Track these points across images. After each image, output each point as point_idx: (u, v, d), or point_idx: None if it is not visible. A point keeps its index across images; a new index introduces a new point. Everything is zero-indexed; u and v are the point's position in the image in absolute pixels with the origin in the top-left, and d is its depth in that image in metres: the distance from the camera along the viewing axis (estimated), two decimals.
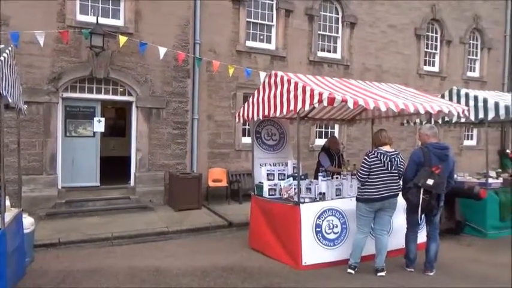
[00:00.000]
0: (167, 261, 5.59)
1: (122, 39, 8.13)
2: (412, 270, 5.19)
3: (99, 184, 8.92)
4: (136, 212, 8.35)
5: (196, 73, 9.65)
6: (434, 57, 13.66)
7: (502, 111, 6.76)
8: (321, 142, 11.61)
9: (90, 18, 8.60)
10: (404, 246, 5.51)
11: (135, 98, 9.12)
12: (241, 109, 6.48)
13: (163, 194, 9.23)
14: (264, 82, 5.90)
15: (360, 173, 4.98)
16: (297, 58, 10.98)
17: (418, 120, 7.59)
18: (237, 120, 6.69)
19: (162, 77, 9.25)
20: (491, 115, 6.89)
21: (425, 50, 13.35)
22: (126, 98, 9.19)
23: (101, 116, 9.00)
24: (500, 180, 7.59)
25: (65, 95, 8.58)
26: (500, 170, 9.80)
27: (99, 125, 8.88)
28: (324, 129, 11.73)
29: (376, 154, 4.94)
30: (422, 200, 4.83)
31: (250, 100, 6.16)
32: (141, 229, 7.06)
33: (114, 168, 9.79)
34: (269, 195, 5.85)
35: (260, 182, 6.06)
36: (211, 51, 9.88)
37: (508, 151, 12.12)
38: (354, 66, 11.87)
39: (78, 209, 8.15)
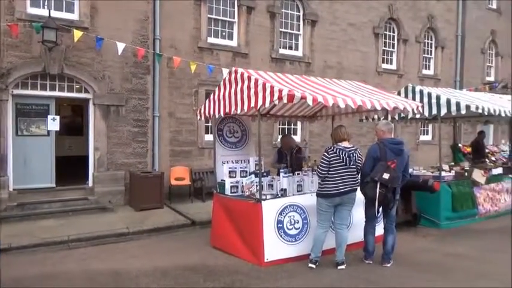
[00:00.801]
0: (127, 263, 5.44)
1: (77, 33, 7.79)
2: (371, 262, 5.34)
3: (54, 185, 8.55)
4: (95, 213, 8.08)
5: (157, 69, 9.45)
6: (391, 56, 14.12)
7: (453, 108, 7.09)
8: None
9: (42, 11, 8.19)
10: (363, 239, 5.65)
11: (92, 95, 8.80)
12: (203, 106, 6.41)
13: (124, 194, 8.98)
14: (224, 79, 5.85)
15: (320, 169, 5.06)
16: (259, 55, 10.99)
17: (376, 117, 7.78)
18: (198, 117, 6.61)
19: (120, 73, 8.98)
20: (443, 111, 7.20)
21: (383, 48, 13.77)
22: (82, 95, 8.85)
23: (56, 114, 8.61)
24: (453, 173, 7.97)
25: (16, 92, 8.14)
26: (453, 164, 10.30)
27: (53, 123, 8.49)
28: (287, 126, 11.84)
29: (335, 150, 5.03)
30: (378, 193, 4.97)
31: (212, 97, 6.10)
32: (99, 231, 6.84)
33: (71, 168, 9.40)
34: (231, 192, 5.83)
35: (222, 180, 6.02)
36: (172, 48, 9.70)
37: (460, 145, 12.73)
38: (315, 64, 12.05)
39: (32, 212, 7.77)
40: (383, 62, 13.80)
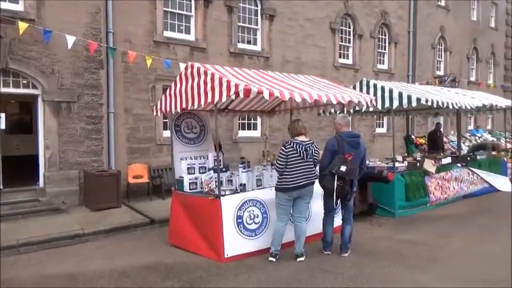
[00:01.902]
0: (82, 265, 5.25)
1: (22, 26, 7.33)
2: (329, 252, 5.47)
3: (1, 187, 8.06)
4: (47, 215, 7.72)
5: (111, 64, 9.13)
6: (348, 50, 14.48)
7: (405, 101, 7.39)
8: (244, 134, 11.77)
9: None
10: (321, 231, 5.77)
11: (40, 91, 8.36)
12: (159, 102, 6.27)
13: (79, 194, 8.64)
14: (180, 74, 5.74)
15: (278, 163, 5.09)
16: (218, 50, 10.90)
17: (332, 110, 7.96)
18: (154, 113, 6.46)
19: (71, 68, 8.58)
20: (396, 104, 7.49)
21: (340, 43, 14.08)
22: (30, 91, 8.38)
23: (1, 112, 8.10)
24: (405, 163, 8.31)
25: None
26: (406, 154, 10.76)
27: None
28: (246, 121, 11.85)
29: (292, 144, 5.08)
30: (336, 186, 5.09)
31: (168, 92, 5.97)
32: (52, 233, 6.53)
33: (19, 168, 8.91)
34: (190, 189, 5.76)
35: (181, 177, 5.94)
36: (126, 42, 9.39)
37: (412, 137, 13.31)
38: (274, 58, 12.11)
39: None
40: (340, 57, 14.12)
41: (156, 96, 9.75)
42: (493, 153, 11.42)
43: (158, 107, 6.26)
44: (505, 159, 11.02)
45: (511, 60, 24.68)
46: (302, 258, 5.16)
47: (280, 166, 5.06)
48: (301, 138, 5.16)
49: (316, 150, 5.21)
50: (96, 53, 8.69)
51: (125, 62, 9.23)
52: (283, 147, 5.09)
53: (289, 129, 5.30)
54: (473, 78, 20.54)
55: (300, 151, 5.05)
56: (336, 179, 5.08)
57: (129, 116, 9.58)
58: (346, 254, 5.38)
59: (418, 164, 8.53)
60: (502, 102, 10.92)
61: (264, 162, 6.28)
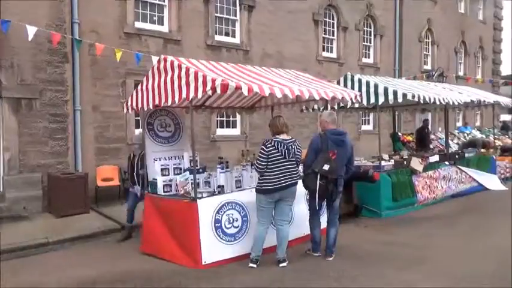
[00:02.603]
0: (46, 276, 5.14)
1: None
2: (320, 254, 5.53)
3: None
4: (7, 223, 7.49)
5: (77, 57, 8.95)
6: (332, 44, 14.63)
7: (390, 96, 7.53)
8: (223, 132, 11.75)
9: None
10: (305, 234, 5.91)
11: None
12: (130, 98, 6.22)
13: (42, 200, 8.43)
14: (153, 68, 5.72)
15: (258, 163, 5.10)
16: (194, 42, 10.84)
17: (316, 107, 8.06)
18: (125, 110, 6.40)
19: (33, 61, 8.37)
20: (381, 100, 7.62)
21: (323, 35, 14.21)
22: None
23: None
24: (392, 162, 8.46)
25: None
26: (393, 152, 10.97)
27: None
28: (225, 118, 11.83)
29: (273, 143, 5.09)
30: (319, 185, 5.15)
31: (139, 88, 5.93)
32: (12, 243, 6.36)
33: None
34: (164, 192, 5.71)
35: (154, 179, 5.88)
36: (93, 33, 9.23)
37: (399, 134, 13.58)
38: (253, 52, 12.13)
39: None
40: (323, 50, 14.25)
41: (126, 92, 9.62)
42: (482, 150, 11.74)
43: (129, 103, 6.21)
44: (494, 156, 11.35)
45: (500, 54, 25.48)
46: (284, 264, 5.19)
47: (260, 166, 5.08)
48: (283, 136, 5.19)
49: (299, 149, 5.26)
50: (60, 45, 8.50)
51: (92, 55, 9.06)
52: (263, 146, 5.11)
53: (270, 127, 5.33)
54: (461, 73, 21.06)
55: (281, 150, 5.08)
56: (318, 178, 5.14)
57: (98, 113, 9.42)
58: (331, 258, 5.43)
59: (405, 163, 8.70)
60: (490, 97, 11.24)
61: (243, 162, 6.28)
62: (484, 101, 10.54)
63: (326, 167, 5.14)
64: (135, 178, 6.58)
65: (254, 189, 5.33)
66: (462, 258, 5.34)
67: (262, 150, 5.09)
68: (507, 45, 27.39)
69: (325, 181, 5.17)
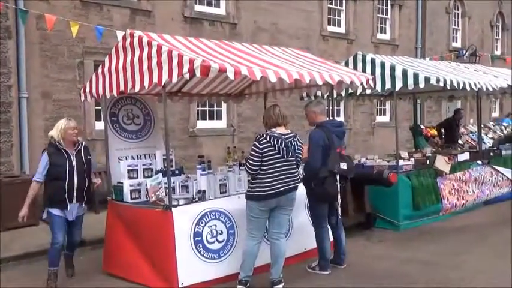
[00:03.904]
0: None
1: None
2: (330, 272, 5.72)
3: None
4: None
5: (22, 32, 8.92)
6: (339, 16, 14.70)
7: (410, 81, 7.57)
8: (205, 125, 11.77)
9: None
10: (306, 250, 6.10)
11: None
12: (88, 83, 6.22)
13: None
14: (117, 45, 5.72)
15: (249, 164, 5.09)
16: (168, 13, 10.86)
17: (319, 93, 8.09)
18: (82, 98, 6.40)
19: None
20: (399, 85, 7.68)
21: (329, 6, 14.27)
22: None
23: None
24: (412, 161, 8.54)
25: None
26: (414, 150, 11.06)
27: None
28: (208, 108, 11.86)
29: (268, 138, 5.09)
30: (341, 189, 5.56)
31: (100, 70, 5.93)
32: None
33: None
34: (132, 198, 5.74)
35: (119, 183, 5.92)
36: (43, 1, 9.19)
37: (422, 127, 13.69)
38: (242, 25, 12.15)
39: None
40: (329, 24, 14.32)
41: (85, 75, 9.61)
42: None
43: (87, 89, 6.20)
44: None
45: None
46: (280, 286, 5.23)
47: (252, 167, 5.08)
48: (280, 130, 5.21)
49: (300, 146, 5.31)
50: (2, 17, 8.49)
51: (42, 29, 9.03)
52: (256, 143, 5.10)
53: (264, 119, 5.35)
54: (498, 52, 21.28)
55: (278, 147, 5.09)
56: (338, 180, 5.44)
57: (49, 102, 9.42)
58: (344, 266, 5.88)
59: (428, 162, 8.79)
60: None
61: (229, 162, 6.30)
62: None
63: (344, 166, 5.41)
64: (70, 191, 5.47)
65: (243, 195, 5.36)
66: (498, 282, 5.38)
67: (254, 148, 5.09)
68: None
69: (344, 182, 5.54)
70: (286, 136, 5.20)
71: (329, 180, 5.38)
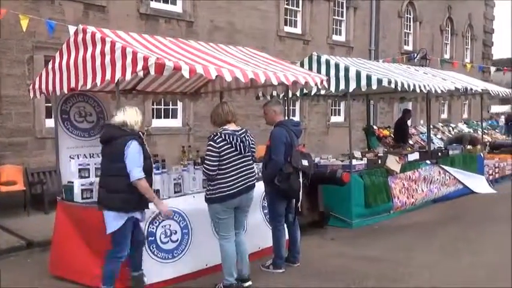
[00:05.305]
0: None
1: None
2: (284, 270, 5.77)
3: None
4: None
5: None
6: (296, 16, 14.87)
7: (363, 82, 7.76)
8: (160, 123, 11.67)
9: None
10: (261, 248, 6.19)
11: None
12: (37, 79, 6.07)
13: None
14: (68, 41, 5.60)
15: (208, 166, 4.98)
16: (123, 9, 10.74)
17: (274, 93, 8.17)
18: (31, 94, 6.25)
19: None
20: (352, 86, 7.85)
21: (286, 6, 14.41)
22: None
23: None
24: (365, 161, 8.74)
25: None
26: (366, 149, 11.32)
27: None
28: (163, 106, 11.77)
29: (223, 136, 5.00)
30: (302, 185, 5.61)
31: (50, 66, 5.80)
32: None
33: None
34: (82, 198, 5.58)
35: (69, 182, 5.76)
36: None
37: (374, 127, 14.02)
38: (199, 23, 12.14)
39: None
40: (286, 24, 14.46)
41: (35, 70, 9.39)
42: (468, 147, 12.37)
43: (37, 86, 6.07)
44: (481, 154, 11.99)
45: (492, 34, 26.85)
46: (250, 283, 5.24)
47: (211, 168, 4.96)
48: (232, 127, 5.15)
49: (253, 141, 5.29)
50: None
51: None
52: (211, 142, 4.99)
53: (212, 117, 5.26)
54: (447, 56, 22.05)
55: (235, 144, 5.03)
56: (300, 176, 5.55)
57: None
58: (298, 264, 5.96)
59: (380, 162, 9.02)
60: (478, 85, 11.83)
61: (184, 161, 6.26)
62: (471, 89, 11.08)
63: (305, 162, 5.56)
64: None
65: (197, 195, 5.37)
66: (445, 277, 5.58)
67: (211, 147, 4.99)
68: (500, 24, 28.95)
69: (305, 179, 5.62)
70: (240, 132, 5.15)
71: (293, 177, 5.50)
